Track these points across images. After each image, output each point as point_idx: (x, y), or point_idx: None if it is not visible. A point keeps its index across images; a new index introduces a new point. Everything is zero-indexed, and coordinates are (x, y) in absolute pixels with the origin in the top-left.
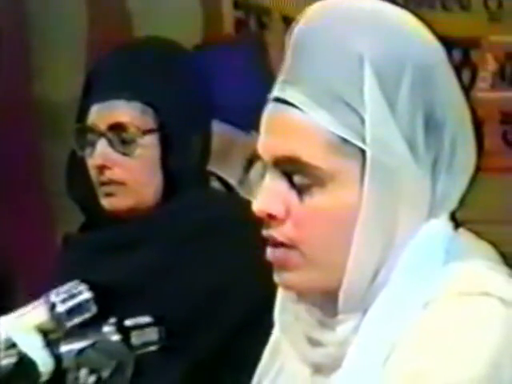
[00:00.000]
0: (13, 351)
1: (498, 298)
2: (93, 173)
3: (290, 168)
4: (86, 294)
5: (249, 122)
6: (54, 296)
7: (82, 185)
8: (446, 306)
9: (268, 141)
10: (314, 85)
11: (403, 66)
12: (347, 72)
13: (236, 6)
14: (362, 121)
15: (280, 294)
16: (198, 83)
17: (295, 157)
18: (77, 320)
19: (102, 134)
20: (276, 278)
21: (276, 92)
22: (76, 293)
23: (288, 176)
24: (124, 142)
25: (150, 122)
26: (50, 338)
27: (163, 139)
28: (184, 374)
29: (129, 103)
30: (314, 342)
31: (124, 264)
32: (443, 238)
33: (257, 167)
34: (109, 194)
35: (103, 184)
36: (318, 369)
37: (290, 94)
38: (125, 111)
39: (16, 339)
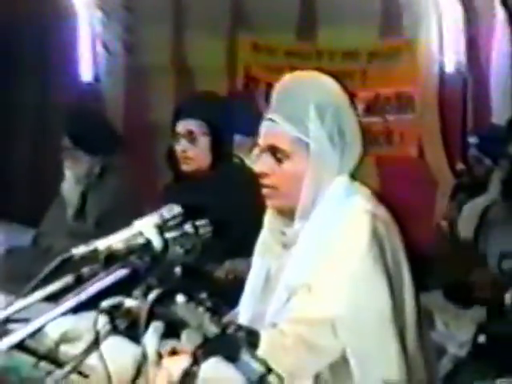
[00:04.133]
0: (142, 237)
1: (371, 213)
2: (179, 154)
3: (273, 150)
4: (178, 209)
5: (249, 131)
6: (163, 210)
7: (173, 159)
8: (346, 218)
9: (263, 137)
10: (285, 112)
11: (328, 105)
12: (301, 107)
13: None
14: (308, 129)
15: (268, 212)
16: (228, 113)
17: (276, 145)
18: (174, 222)
19: (182, 136)
20: (267, 202)
21: (268, 115)
22: (174, 208)
23: (273, 154)
24: (193, 140)
25: (206, 130)
26: (160, 230)
27: (212, 139)
28: (225, 249)
29: (196, 121)
30: (282, 233)
31: (196, 197)
32: (345, 185)
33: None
34: (185, 163)
35: (184, 158)
36: (285, 246)
37: (273, 116)
38: (193, 124)
39: (143, 230)
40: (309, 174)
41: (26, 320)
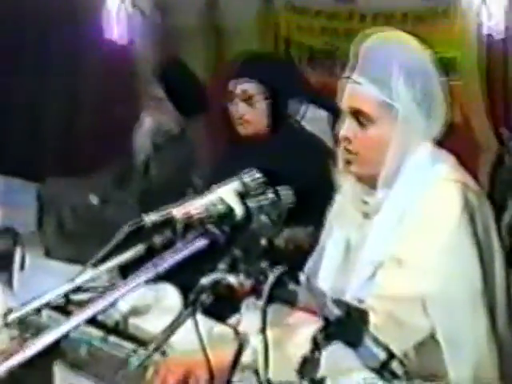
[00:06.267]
0: (223, 204)
1: (462, 183)
2: (234, 116)
3: (356, 114)
4: (260, 176)
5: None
6: (244, 176)
7: (228, 121)
8: (435, 188)
9: (346, 100)
10: (371, 73)
11: (416, 67)
12: (387, 68)
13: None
14: (396, 92)
15: (346, 179)
16: (288, 76)
17: (359, 108)
18: (256, 189)
19: (239, 98)
20: (344, 169)
21: (352, 76)
22: (256, 174)
23: (356, 118)
24: (252, 103)
25: (265, 93)
26: (242, 197)
27: (271, 102)
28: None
29: (256, 83)
30: (364, 202)
31: (258, 161)
32: (431, 152)
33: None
34: (242, 126)
35: (241, 121)
36: (366, 216)
37: (357, 78)
38: (253, 87)
39: (225, 197)
40: (395, 140)
41: (95, 289)
